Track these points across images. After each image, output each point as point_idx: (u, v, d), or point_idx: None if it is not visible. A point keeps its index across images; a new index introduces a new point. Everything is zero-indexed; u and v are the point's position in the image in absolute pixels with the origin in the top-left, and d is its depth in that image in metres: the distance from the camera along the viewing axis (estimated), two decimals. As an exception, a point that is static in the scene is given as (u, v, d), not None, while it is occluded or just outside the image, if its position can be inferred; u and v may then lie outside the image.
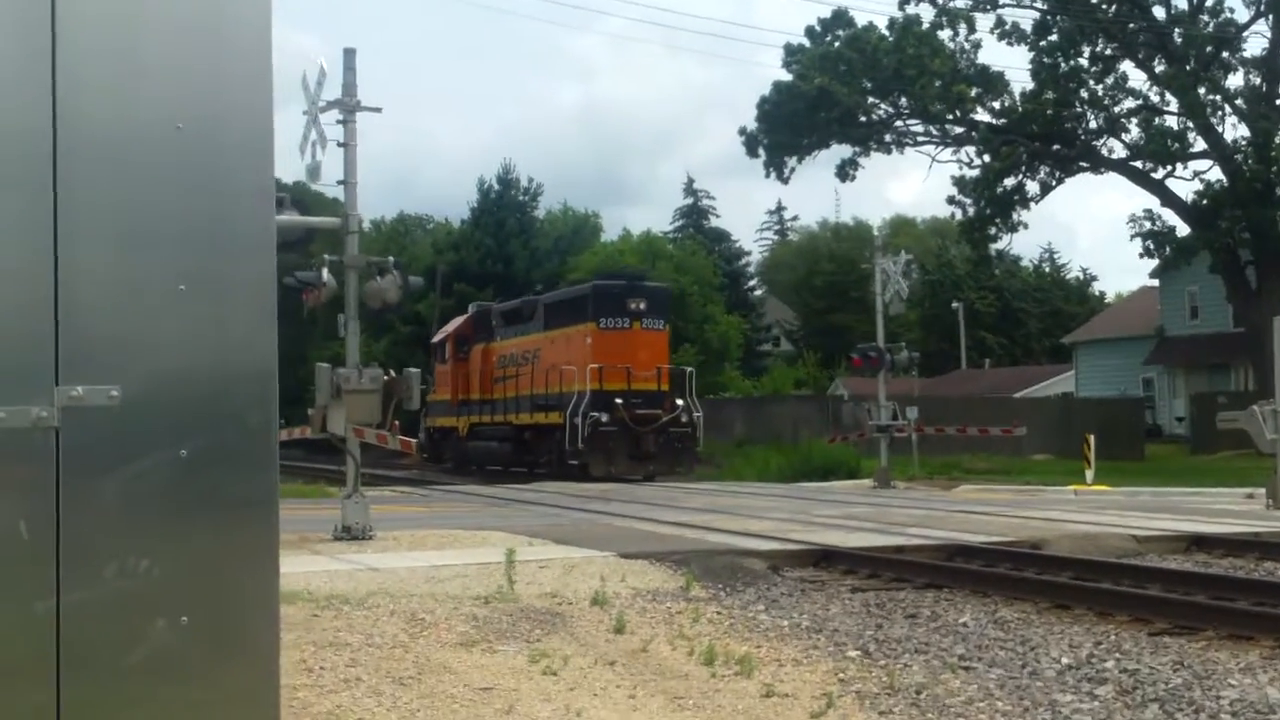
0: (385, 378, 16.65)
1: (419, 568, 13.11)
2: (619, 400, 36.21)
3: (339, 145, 16.82)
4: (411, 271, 48.76)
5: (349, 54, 17.19)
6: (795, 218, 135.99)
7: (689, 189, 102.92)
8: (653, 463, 36.49)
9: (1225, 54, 48.69)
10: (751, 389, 71.40)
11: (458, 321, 46.83)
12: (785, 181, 53.54)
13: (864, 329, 62.15)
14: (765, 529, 17.39)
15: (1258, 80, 48.92)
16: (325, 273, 16.58)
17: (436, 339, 47.85)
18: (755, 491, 29.24)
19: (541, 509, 22.90)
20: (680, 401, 36.96)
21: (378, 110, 17.17)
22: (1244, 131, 48.33)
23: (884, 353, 31.51)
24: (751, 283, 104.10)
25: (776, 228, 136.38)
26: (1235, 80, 49.17)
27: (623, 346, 36.90)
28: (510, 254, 70.45)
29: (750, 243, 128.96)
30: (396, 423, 17.34)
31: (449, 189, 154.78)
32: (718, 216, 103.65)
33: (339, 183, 17.03)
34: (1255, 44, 48.20)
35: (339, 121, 16.85)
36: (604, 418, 35.86)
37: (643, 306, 37.69)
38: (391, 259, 17.36)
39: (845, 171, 53.19)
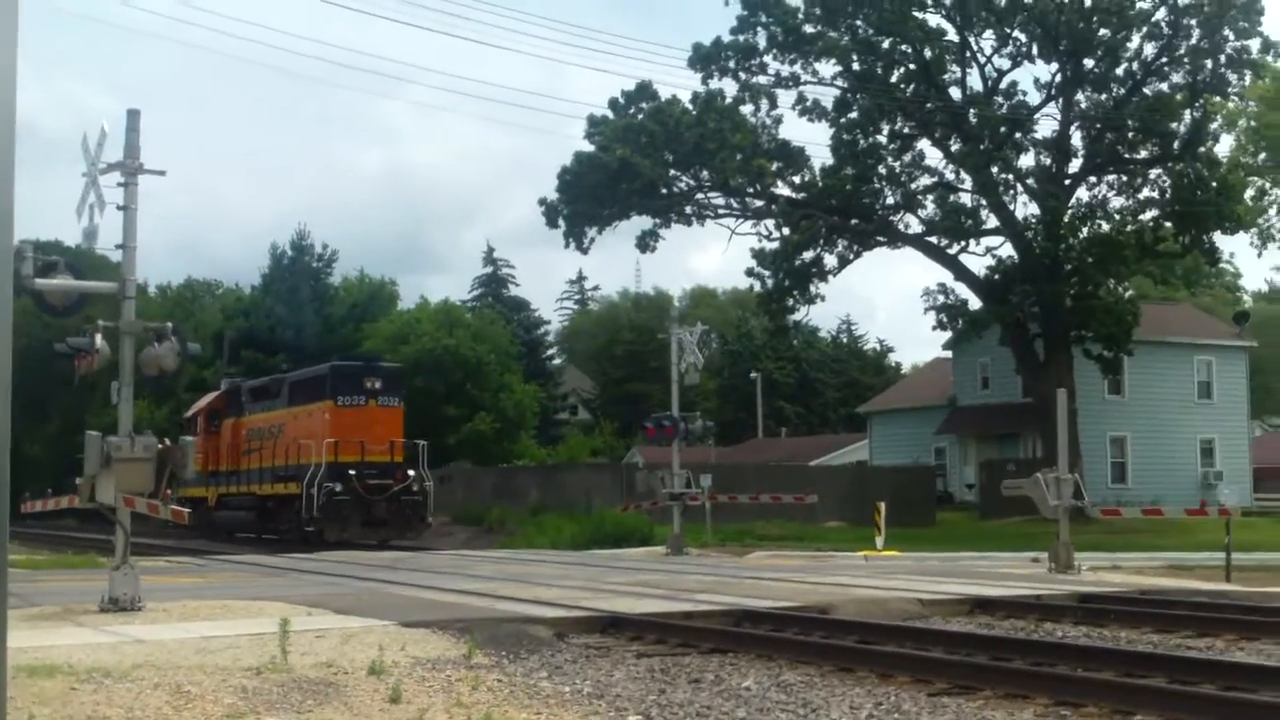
0: (160, 446, 16.29)
1: (189, 639, 12.76)
2: (352, 471, 39.62)
3: (119, 208, 16.46)
4: (198, 337, 45.96)
5: (133, 115, 16.75)
6: (596, 287, 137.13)
7: (489, 258, 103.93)
8: (385, 529, 40.03)
9: (1017, 134, 50.83)
10: (546, 457, 71.67)
11: (210, 397, 49.71)
12: (585, 251, 54.00)
13: (662, 398, 62.67)
14: (554, 596, 17.33)
15: (1048, 160, 51.20)
16: (99, 339, 16.23)
17: (189, 414, 49.27)
18: (548, 559, 29.29)
19: (323, 578, 22.58)
20: (412, 472, 40.48)
21: (161, 173, 16.75)
22: (1034, 209, 50.47)
23: (678, 421, 31.77)
24: (550, 351, 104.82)
25: (577, 297, 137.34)
26: (1027, 160, 51.41)
27: (358, 422, 40.42)
28: (302, 321, 69.73)
29: (550, 311, 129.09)
30: (169, 491, 17.04)
31: (241, 254, 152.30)
32: (517, 285, 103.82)
33: (117, 246, 16.64)
34: (1046, 125, 50.45)
35: (120, 184, 16.47)
36: (338, 487, 39.23)
37: (378, 385, 41.40)
38: (170, 325, 17.02)
39: (645, 242, 53.83)
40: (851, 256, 53.94)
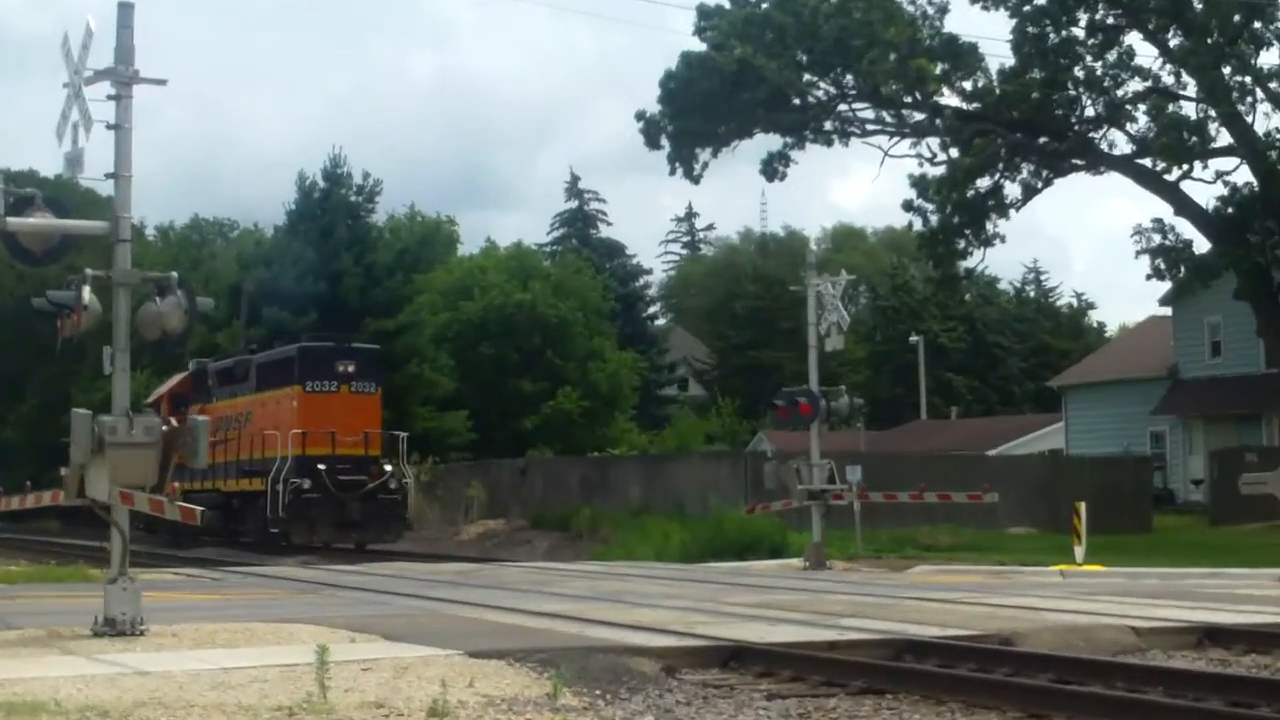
0: (164, 428, 16.60)
1: (204, 671, 13.04)
2: (322, 466, 43.54)
3: (109, 128, 16.66)
4: (210, 292, 47.94)
5: (125, 9, 16.78)
6: (710, 227, 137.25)
7: (573, 189, 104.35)
8: (359, 530, 44.55)
9: (1257, 24, 49.17)
10: (649, 444, 72.53)
11: (175, 380, 53.69)
12: (696, 181, 53.93)
13: (796, 368, 62.67)
14: (661, 620, 17.53)
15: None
16: (86, 292, 16.44)
17: (152, 399, 51.33)
18: (651, 574, 29.59)
19: (368, 595, 23.02)
20: (389, 467, 44.74)
21: (161, 83, 16.94)
22: (1279, 122, 49.13)
23: (818, 398, 31.69)
24: (653, 309, 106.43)
25: (686, 239, 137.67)
26: (1269, 58, 49.84)
27: (330, 410, 44.45)
28: (339, 271, 70.39)
29: (652, 258, 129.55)
30: (176, 485, 17.21)
31: (261, 187, 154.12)
32: (609, 224, 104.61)
33: (108, 176, 16.82)
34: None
35: (111, 98, 16.63)
36: (306, 484, 43.09)
37: (351, 369, 45.47)
38: (174, 275, 17.23)
39: (773, 168, 53.67)
40: (1039, 185, 53.35)
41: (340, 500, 43.63)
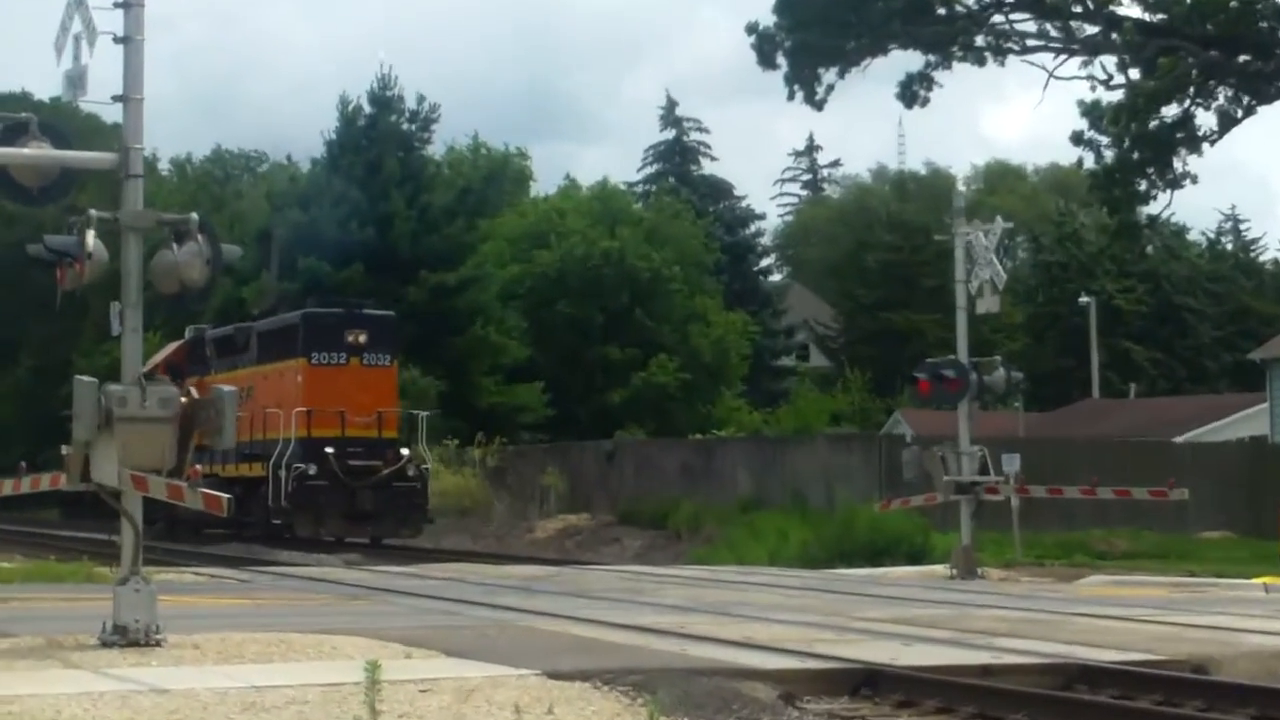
0: (183, 399, 16.81)
1: (232, 690, 13.16)
2: (330, 449, 45.16)
3: (116, 41, 16.85)
4: (236, 238, 48.51)
5: (132, -101, 16.32)
6: (836, 163, 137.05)
7: (669, 117, 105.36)
8: (372, 523, 46.50)
9: None
10: (762, 425, 72.42)
11: (169, 349, 55.06)
12: (819, 107, 53.53)
13: (942, 334, 62.51)
14: (778, 637, 17.63)
15: None
16: (90, 237, 16.59)
17: (144, 370, 50.44)
18: (765, 580, 29.72)
19: (427, 603, 23.29)
20: (406, 451, 46.46)
21: (179, -15, 16.73)
22: None
23: (968, 371, 31.53)
24: (766, 261, 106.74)
25: (806, 178, 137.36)
26: None
27: (339, 386, 46.42)
28: (388, 213, 70.68)
29: (765, 201, 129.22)
30: (198, 467, 17.71)
31: (295, 113, 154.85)
32: (713, 159, 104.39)
33: (115, 99, 17.01)
34: None
35: (118, 5, 16.84)
36: (311, 469, 44.85)
37: (363, 339, 47.13)
38: (195, 217, 17.39)
39: (912, 92, 53.29)
40: (1239, 113, 52.63)
41: (350, 488, 45.33)
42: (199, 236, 17.05)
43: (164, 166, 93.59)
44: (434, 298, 67.88)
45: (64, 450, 17.06)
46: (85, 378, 16.94)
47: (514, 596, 24.44)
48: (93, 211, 16.70)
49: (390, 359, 47.66)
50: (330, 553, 42.87)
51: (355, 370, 46.75)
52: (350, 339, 46.75)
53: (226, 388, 17.85)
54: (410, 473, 45.98)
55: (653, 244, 74.70)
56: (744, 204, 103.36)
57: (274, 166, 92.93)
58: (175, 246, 17.01)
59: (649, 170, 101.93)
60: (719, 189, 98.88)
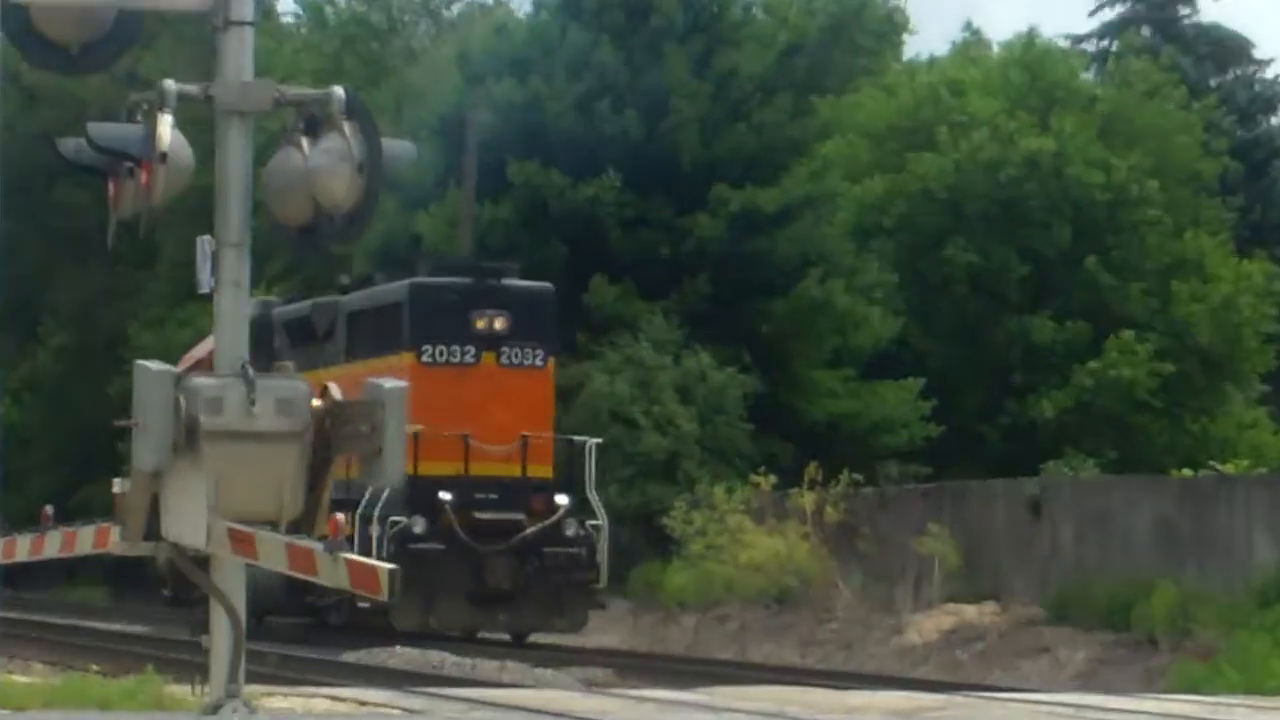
0: (317, 401, 14.07)
1: None
2: (447, 496, 36.60)
3: None
4: (407, 129, 45.69)
5: None
6: None
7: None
8: (510, 609, 37.73)
9: None
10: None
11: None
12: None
13: None
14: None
15: None
16: (166, 126, 13.36)
17: (182, 366, 36.55)
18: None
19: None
20: (564, 499, 37.71)
21: None
22: None
23: None
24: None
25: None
26: None
27: (462, 397, 37.49)
28: (663, 88, 58.38)
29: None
30: (339, 517, 13.92)
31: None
32: (1218, 1, 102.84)
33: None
34: None
35: None
36: (419, 526, 36.38)
37: (501, 325, 37.43)
38: (340, 93, 13.73)
39: None
40: None
41: (477, 556, 36.66)
42: (345, 125, 13.76)
43: (287, 8, 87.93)
44: (739, 233, 53.88)
45: (115, 486, 14.49)
46: (152, 363, 14.19)
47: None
48: (169, 84, 13.69)
49: (544, 356, 38.19)
50: (595, 668, 33.86)
51: (489, 372, 37.20)
52: (481, 325, 37.03)
53: (390, 382, 14.35)
54: (570, 532, 36.95)
55: (1113, 144, 60.08)
56: (1271, 74, 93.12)
57: (469, 8, 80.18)
58: (305, 142, 13.83)
59: (1107, 16, 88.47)
60: (1228, 49, 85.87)
